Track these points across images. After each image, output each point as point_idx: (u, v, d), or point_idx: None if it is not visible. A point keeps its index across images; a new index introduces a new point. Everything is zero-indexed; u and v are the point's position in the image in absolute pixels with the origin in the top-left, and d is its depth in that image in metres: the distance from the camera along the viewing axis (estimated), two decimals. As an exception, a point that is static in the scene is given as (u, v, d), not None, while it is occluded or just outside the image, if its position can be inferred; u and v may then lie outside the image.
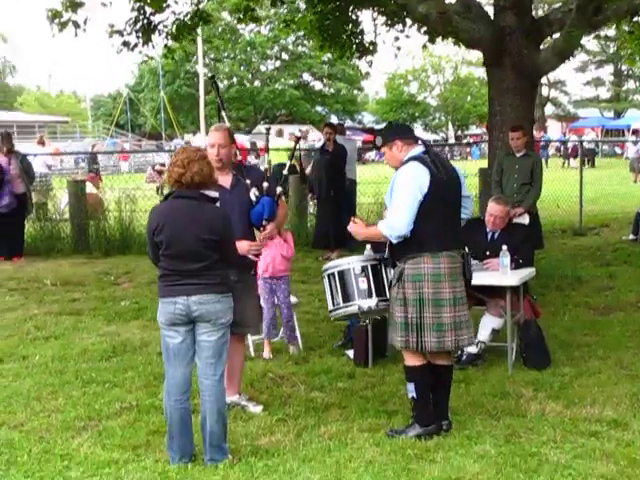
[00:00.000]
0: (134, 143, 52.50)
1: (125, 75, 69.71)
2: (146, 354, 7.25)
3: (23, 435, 5.37)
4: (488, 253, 7.09)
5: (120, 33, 13.83)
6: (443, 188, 5.18)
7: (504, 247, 6.78)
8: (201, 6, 14.11)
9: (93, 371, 6.72)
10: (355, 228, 5.42)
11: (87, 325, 8.33)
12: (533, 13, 10.77)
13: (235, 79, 59.68)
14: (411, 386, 5.36)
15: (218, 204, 4.98)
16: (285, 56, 61.17)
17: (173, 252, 4.81)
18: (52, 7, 13.07)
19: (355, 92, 65.58)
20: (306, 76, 62.95)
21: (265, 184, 5.91)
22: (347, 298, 5.65)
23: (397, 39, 14.30)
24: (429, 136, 60.75)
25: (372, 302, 5.56)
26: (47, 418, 5.68)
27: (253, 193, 5.80)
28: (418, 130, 64.72)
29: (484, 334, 7.04)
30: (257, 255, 5.79)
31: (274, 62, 61.57)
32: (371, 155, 50.24)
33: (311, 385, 6.48)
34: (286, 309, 7.46)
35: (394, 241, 5.17)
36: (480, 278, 6.76)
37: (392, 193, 5.21)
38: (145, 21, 13.81)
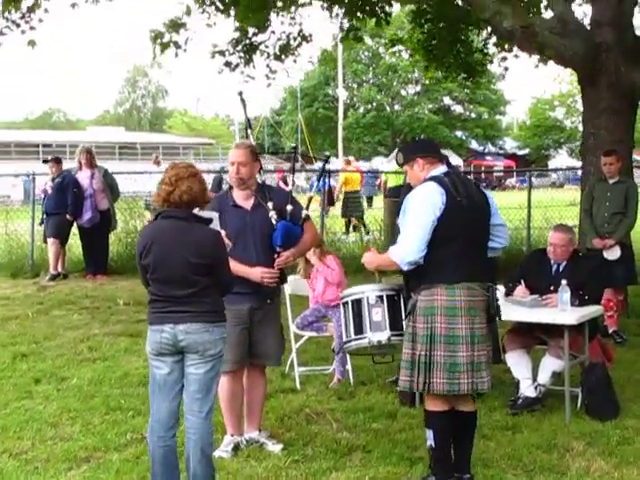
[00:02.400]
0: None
1: (271, 99, 71.08)
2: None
3: (18, 464, 5.16)
4: (552, 287, 6.43)
5: (222, 53, 13.88)
6: (462, 213, 4.65)
7: (563, 282, 6.11)
8: (303, 27, 13.95)
9: (123, 397, 6.49)
10: (366, 257, 4.96)
11: (141, 348, 8.13)
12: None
13: (373, 104, 59.58)
14: (430, 433, 4.82)
15: (215, 225, 4.63)
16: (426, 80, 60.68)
17: (160, 276, 4.48)
18: (155, 28, 13.26)
19: (497, 117, 64.26)
20: (447, 100, 62.20)
21: (289, 207, 5.55)
22: (359, 330, 5.17)
23: (505, 59, 13.66)
24: (573, 162, 58.65)
25: (383, 336, 5.05)
26: (52, 447, 5.47)
27: (272, 216, 5.44)
28: (562, 156, 62.70)
29: (544, 377, 6.38)
30: (275, 282, 5.40)
31: (414, 86, 61.14)
32: (512, 181, 49.07)
33: (345, 424, 6.02)
34: (337, 338, 7.03)
35: (405, 268, 4.67)
36: (535, 315, 6.18)
37: (404, 216, 4.73)
38: (247, 41, 13.82)
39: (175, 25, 13.19)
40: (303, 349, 7.53)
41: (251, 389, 5.67)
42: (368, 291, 5.15)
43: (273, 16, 13.73)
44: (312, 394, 6.79)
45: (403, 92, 61.58)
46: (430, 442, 4.81)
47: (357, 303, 5.18)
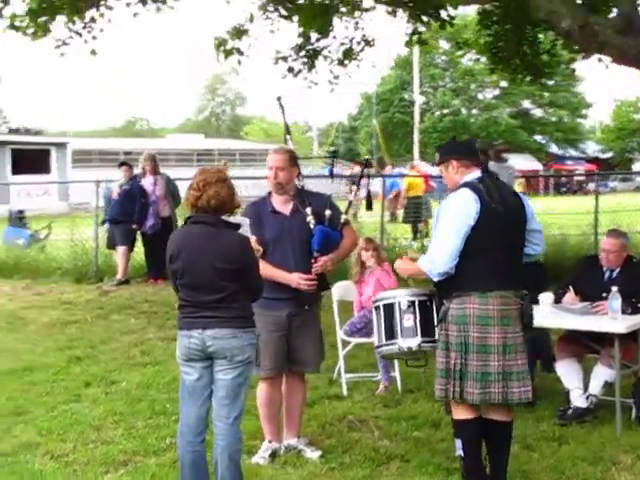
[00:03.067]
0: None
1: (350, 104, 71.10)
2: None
3: (58, 467, 5.25)
4: (604, 294, 6.19)
5: (285, 59, 13.91)
6: (496, 220, 4.52)
7: (614, 288, 5.89)
8: (373, 31, 13.86)
9: (169, 402, 6.50)
10: (398, 264, 4.87)
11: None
12: None
13: (449, 109, 58.96)
14: (459, 443, 4.71)
15: (244, 231, 4.60)
16: (504, 83, 59.82)
17: (188, 282, 4.49)
18: (219, 36, 13.37)
19: (578, 120, 62.89)
20: (526, 103, 61.18)
21: (328, 212, 5.49)
22: (390, 335, 5.07)
23: (573, 60, 13.33)
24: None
25: (414, 342, 4.94)
26: (93, 450, 5.54)
27: (310, 221, 5.39)
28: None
29: (595, 386, 6.17)
30: (312, 288, 5.34)
31: (492, 90, 60.32)
32: (592, 186, 47.87)
33: (387, 432, 5.93)
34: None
35: (435, 279, 4.57)
36: (584, 322, 5.98)
37: (436, 224, 4.62)
38: (310, 47, 13.82)
39: (238, 32, 13.28)
40: (352, 355, 7.46)
41: (290, 395, 5.63)
42: (400, 296, 5.05)
43: (336, 21, 13.72)
44: (358, 401, 6.72)
45: (480, 96, 60.80)
46: (459, 452, 4.70)
47: (389, 308, 5.08)
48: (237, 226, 4.53)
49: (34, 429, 5.90)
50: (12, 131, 39.66)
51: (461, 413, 4.68)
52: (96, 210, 13.61)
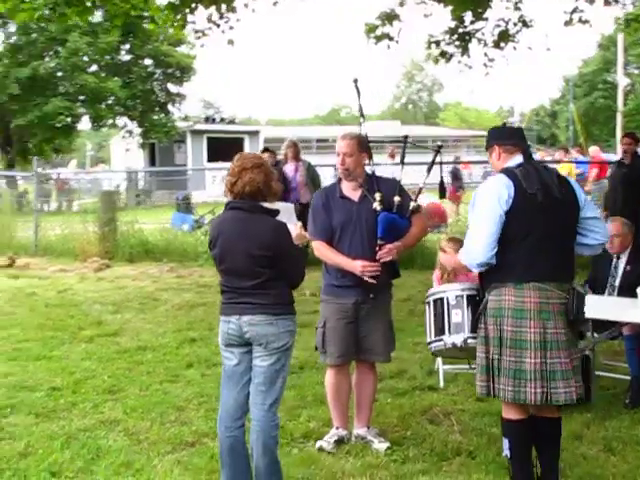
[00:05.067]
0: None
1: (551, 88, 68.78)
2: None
3: (128, 443, 5.43)
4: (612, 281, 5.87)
5: (437, 43, 13.69)
6: (534, 207, 4.23)
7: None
8: (523, 12, 13.38)
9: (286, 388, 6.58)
10: (443, 258, 4.68)
11: (299, 338, 8.21)
12: None
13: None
14: (506, 442, 4.47)
15: (286, 217, 4.57)
16: None
17: (225, 268, 4.53)
18: (370, 22, 13.35)
19: None
20: None
21: (397, 198, 5.36)
22: (440, 331, 4.88)
23: None
24: None
25: (459, 338, 4.73)
26: (168, 430, 5.68)
27: (375, 207, 5.28)
28: None
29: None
30: (373, 277, 5.23)
31: None
32: None
33: (467, 426, 5.73)
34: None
35: (475, 270, 4.35)
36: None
37: (472, 213, 4.39)
38: (463, 30, 13.52)
39: (389, 17, 13.22)
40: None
41: (360, 385, 5.56)
42: (449, 290, 4.86)
43: (496, 1, 13.33)
44: (452, 393, 6.52)
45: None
46: (506, 452, 4.47)
47: (439, 303, 4.90)
48: (275, 212, 4.51)
49: (121, 407, 6.14)
50: (207, 120, 41.39)
51: (508, 412, 4.44)
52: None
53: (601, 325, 6.18)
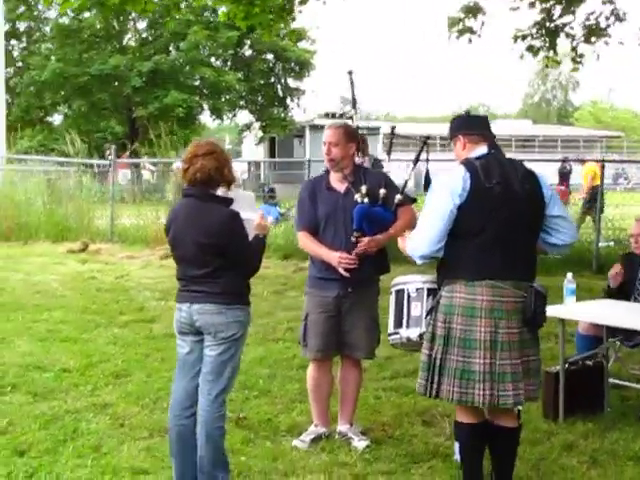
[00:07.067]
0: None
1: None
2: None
3: (107, 427, 5.48)
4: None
5: (524, 38, 13.24)
6: (490, 201, 4.00)
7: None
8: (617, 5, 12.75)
9: (263, 378, 6.62)
10: (399, 243, 4.49)
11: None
12: None
13: None
14: (457, 446, 4.26)
15: (240, 207, 4.47)
16: None
17: (177, 255, 4.51)
18: (453, 15, 13.06)
19: None
20: None
21: (382, 191, 5.20)
22: (398, 324, 4.67)
23: None
24: None
25: (414, 333, 4.51)
26: (150, 417, 5.68)
27: (356, 199, 5.13)
28: None
29: None
30: (348, 271, 5.08)
31: None
32: None
33: (458, 430, 5.50)
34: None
35: (418, 262, 4.17)
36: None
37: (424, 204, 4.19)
38: (551, 24, 13.02)
39: (472, 10, 12.88)
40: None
41: (344, 381, 5.44)
42: (410, 282, 4.65)
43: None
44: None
45: None
46: (456, 456, 4.26)
47: (400, 294, 4.70)
48: (229, 201, 4.43)
49: (119, 391, 6.21)
50: (327, 115, 41.58)
51: (461, 415, 4.24)
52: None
53: (623, 331, 5.84)
